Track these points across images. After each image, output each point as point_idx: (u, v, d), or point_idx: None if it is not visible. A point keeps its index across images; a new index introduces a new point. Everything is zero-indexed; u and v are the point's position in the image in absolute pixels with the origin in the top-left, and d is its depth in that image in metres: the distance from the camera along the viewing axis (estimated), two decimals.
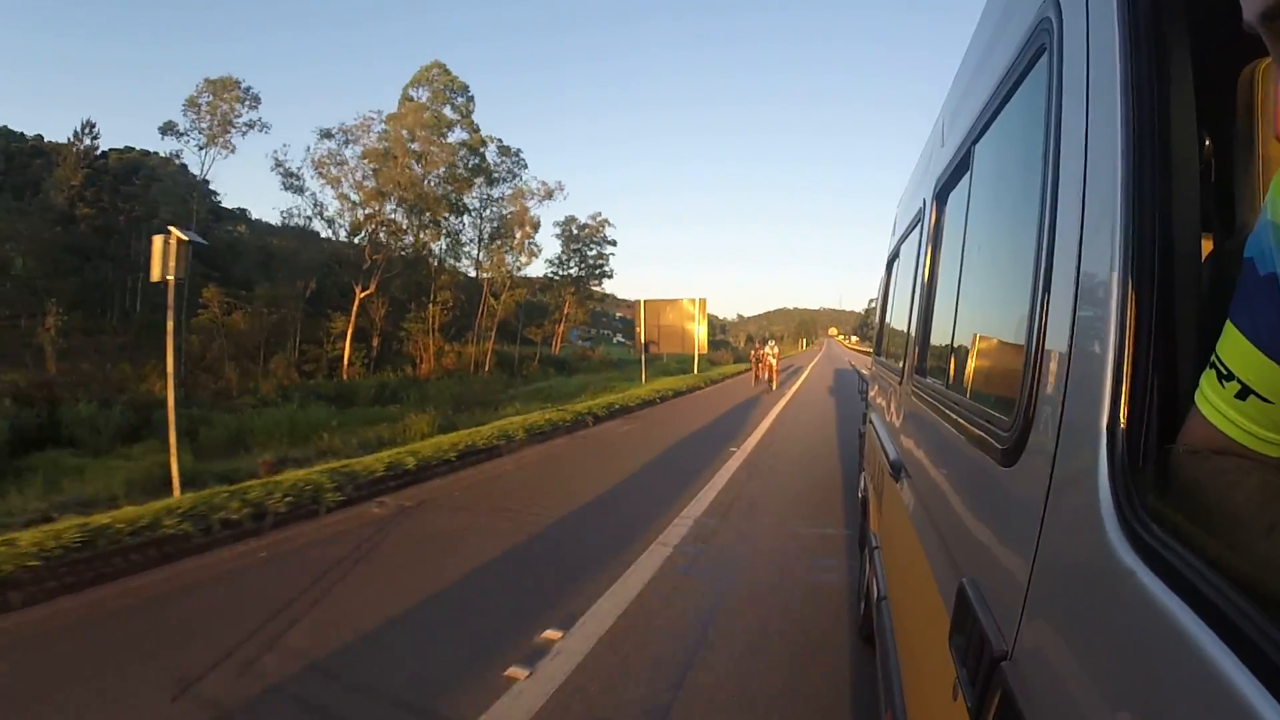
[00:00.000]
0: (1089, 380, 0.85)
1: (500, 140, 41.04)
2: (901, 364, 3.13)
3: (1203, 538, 0.64)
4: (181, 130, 34.11)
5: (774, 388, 23.63)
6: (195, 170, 37.73)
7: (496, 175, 40.25)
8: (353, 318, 34.74)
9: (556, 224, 44.00)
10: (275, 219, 38.12)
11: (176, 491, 6.98)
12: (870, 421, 4.90)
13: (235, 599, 4.69)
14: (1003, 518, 1.14)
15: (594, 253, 45.96)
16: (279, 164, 34.70)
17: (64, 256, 36.10)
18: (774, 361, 24.70)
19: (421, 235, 37.46)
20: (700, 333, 26.24)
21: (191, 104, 33.80)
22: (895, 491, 2.64)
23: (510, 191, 40.82)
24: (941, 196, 2.46)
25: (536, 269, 41.85)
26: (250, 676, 3.59)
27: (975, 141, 1.83)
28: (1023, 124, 1.36)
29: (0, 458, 13.94)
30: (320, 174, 35.03)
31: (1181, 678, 0.56)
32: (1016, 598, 0.96)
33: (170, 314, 7.44)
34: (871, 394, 5.59)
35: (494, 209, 40.97)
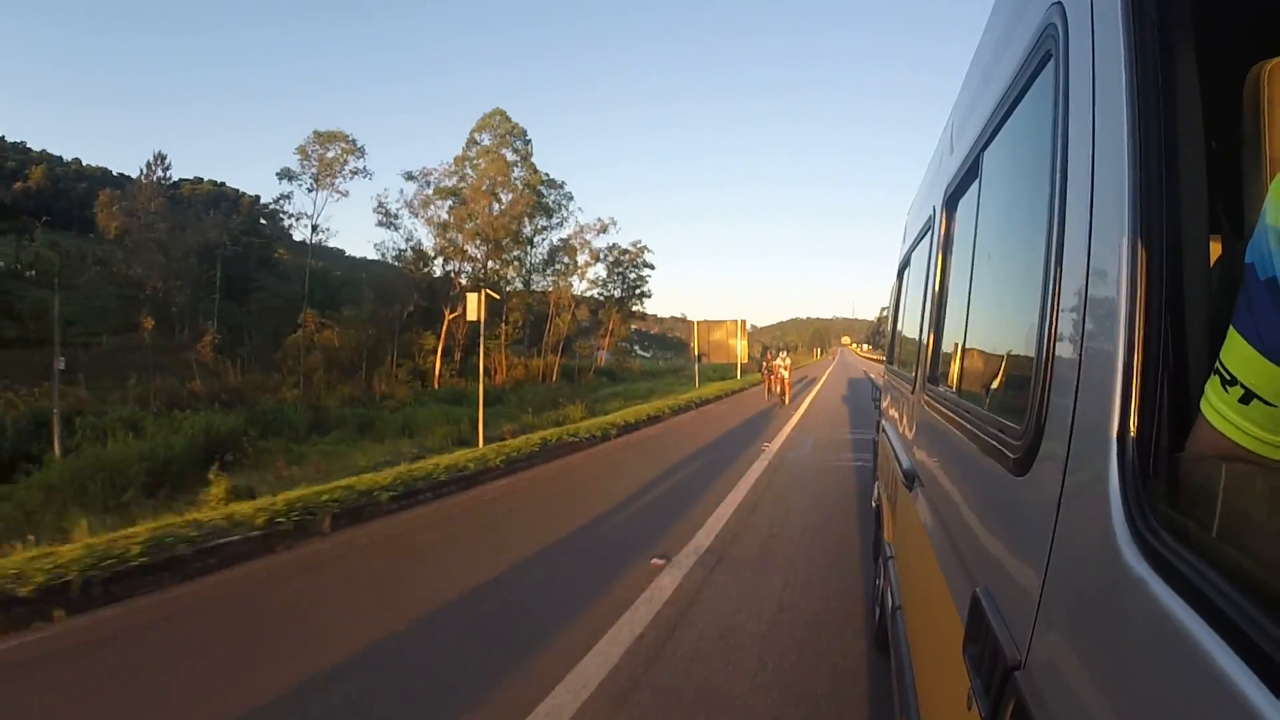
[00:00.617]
0: (1099, 388, 0.84)
1: (548, 175, 45.56)
2: (914, 373, 3.12)
3: (1213, 545, 0.64)
4: (294, 174, 38.67)
5: (786, 402, 22.64)
6: (307, 209, 43.58)
7: (552, 210, 45.23)
8: (442, 336, 39.70)
9: (602, 250, 48.90)
10: (357, 250, 43.65)
11: (480, 443, 12.21)
12: (884, 430, 4.88)
13: (575, 478, 10.34)
14: (1015, 527, 1.14)
15: (634, 275, 50.67)
16: (380, 205, 39.87)
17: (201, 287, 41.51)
18: (786, 374, 23.40)
19: (491, 264, 42.35)
20: (741, 346, 29.99)
21: (302, 152, 38.13)
22: (909, 501, 2.63)
23: (565, 222, 46.24)
24: (951, 204, 2.46)
25: (580, 289, 49.11)
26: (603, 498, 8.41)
27: (984, 148, 1.83)
28: (1030, 130, 1.36)
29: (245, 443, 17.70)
30: (414, 213, 40.55)
31: (1193, 688, 0.56)
32: (1029, 607, 0.95)
33: (481, 342, 13.79)
34: (884, 404, 5.57)
35: (551, 237, 46.37)
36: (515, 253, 44.02)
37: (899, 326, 4.82)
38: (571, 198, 46.03)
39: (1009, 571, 1.12)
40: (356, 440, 17.42)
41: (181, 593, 5.15)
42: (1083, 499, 0.85)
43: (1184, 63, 0.85)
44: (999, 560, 1.19)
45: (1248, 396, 0.70)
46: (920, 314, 3.04)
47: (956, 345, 2.11)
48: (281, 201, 41.38)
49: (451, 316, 38.81)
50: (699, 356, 34.60)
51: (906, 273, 4.40)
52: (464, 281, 40.27)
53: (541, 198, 44.04)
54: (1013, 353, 1.45)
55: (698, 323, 35.61)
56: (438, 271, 42.08)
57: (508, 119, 42.66)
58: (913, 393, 3.10)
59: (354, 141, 38.40)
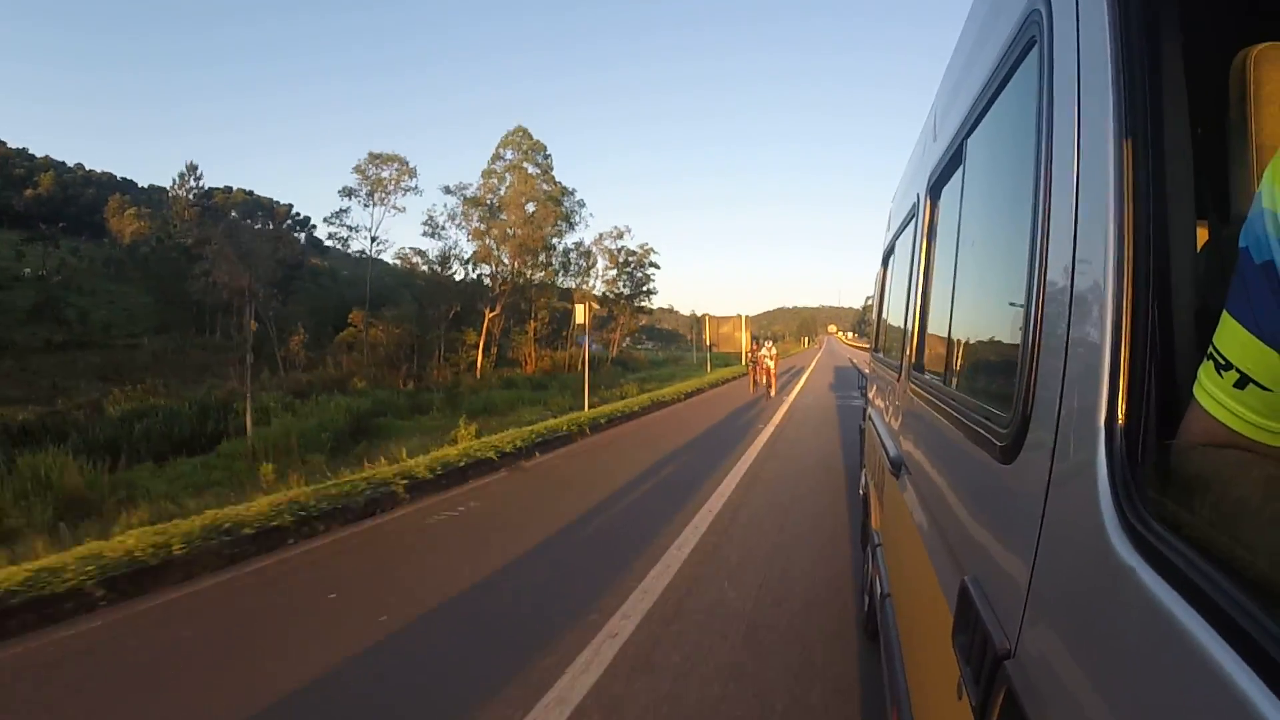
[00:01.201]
0: (1086, 375, 0.84)
1: (570, 189, 50.14)
2: (899, 361, 3.13)
3: (1204, 533, 0.64)
4: (353, 189, 43.97)
5: (773, 394, 21.39)
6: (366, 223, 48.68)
7: (570, 218, 49.46)
8: (483, 332, 44.20)
9: (614, 251, 54.10)
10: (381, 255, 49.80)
11: (586, 407, 16.25)
12: (870, 418, 4.89)
13: (657, 428, 14.53)
14: (1003, 515, 1.14)
15: (640, 275, 55.69)
16: (430, 219, 44.84)
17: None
18: (771, 364, 22.22)
19: (519, 268, 46.91)
20: (744, 338, 33.60)
21: (359, 171, 43.46)
22: (896, 489, 2.64)
23: (575, 227, 50.39)
24: (935, 191, 2.46)
25: (593, 288, 54.04)
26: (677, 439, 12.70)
27: (968, 135, 1.82)
28: (1015, 117, 1.35)
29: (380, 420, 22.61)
30: (459, 226, 45.34)
31: (1183, 676, 0.55)
32: (1018, 596, 0.95)
33: (585, 347, 20.67)
34: (870, 392, 5.58)
35: (567, 240, 51.08)
36: (542, 257, 48.13)
37: (884, 315, 4.82)
38: (583, 204, 50.52)
39: (997, 560, 1.11)
40: (453, 417, 18.86)
41: (497, 476, 9.19)
42: (1071, 487, 0.85)
43: (1169, 48, 0.85)
44: (987, 549, 1.19)
45: (1243, 381, 0.69)
46: (905, 302, 3.04)
47: (942, 333, 2.11)
48: (340, 215, 45.76)
49: (491, 315, 43.99)
50: (710, 346, 38.88)
51: (891, 261, 4.40)
52: (488, 283, 45.79)
53: (560, 206, 48.01)
54: (999, 340, 1.45)
55: (708, 317, 43.94)
56: (460, 275, 46.49)
57: (529, 135, 46.67)
58: (899, 381, 3.10)
59: (407, 162, 43.63)
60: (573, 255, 51.66)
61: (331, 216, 45.64)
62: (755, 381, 23.69)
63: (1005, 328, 1.36)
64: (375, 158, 42.78)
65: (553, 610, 4.59)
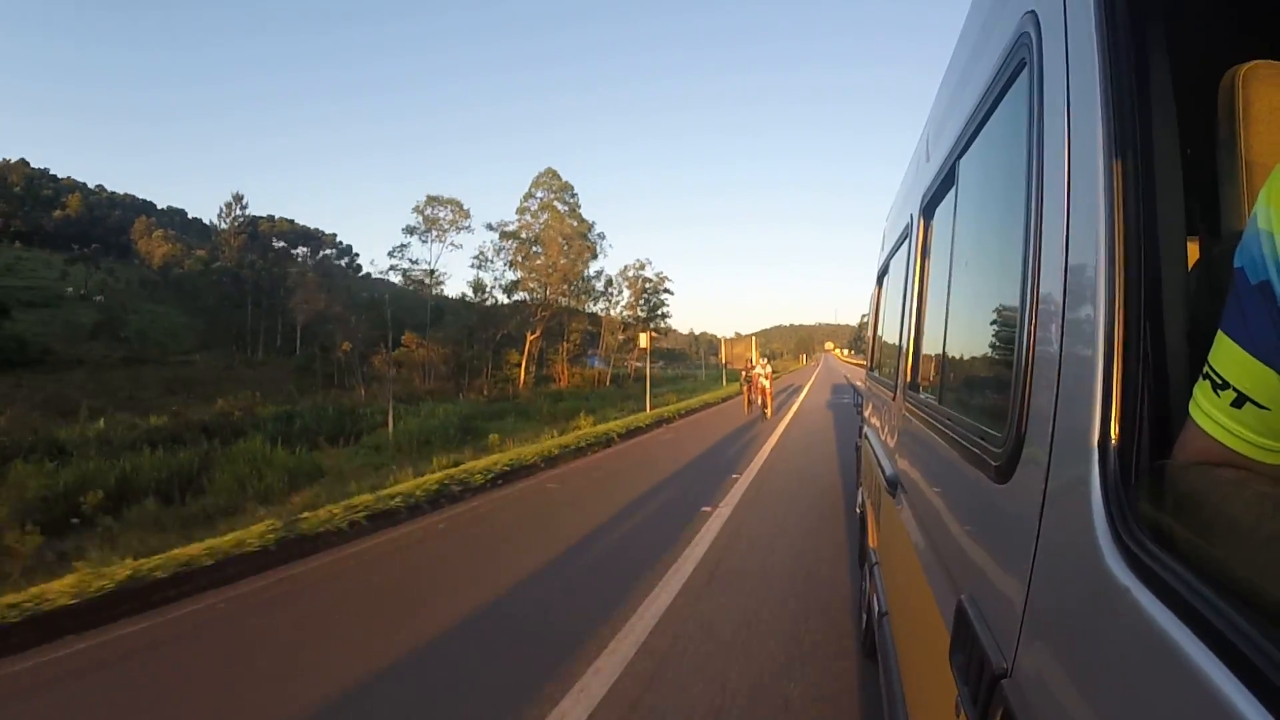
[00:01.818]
0: (1080, 394, 0.84)
1: (591, 223, 56.09)
2: (895, 380, 3.13)
3: (1199, 552, 0.63)
4: (414, 227, 49.81)
5: (769, 415, 20.11)
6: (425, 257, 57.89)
7: (595, 250, 55.61)
8: (525, 352, 50.61)
9: (634, 278, 60.65)
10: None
11: (648, 408, 22.71)
12: (866, 437, 4.89)
13: (708, 422, 19.92)
14: (998, 535, 1.14)
15: (656, 300, 62.41)
16: (480, 254, 51.72)
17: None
18: (767, 383, 20.81)
19: (555, 296, 52.30)
20: (753, 356, 35.44)
21: (419, 211, 49.58)
22: (893, 507, 2.63)
23: (603, 259, 58.10)
24: (928, 211, 2.47)
25: (615, 312, 61.56)
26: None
27: (960, 156, 1.84)
28: (1006, 138, 1.36)
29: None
30: (507, 262, 51.42)
31: (1179, 696, 0.55)
32: (1014, 615, 0.95)
33: (648, 364, 29.74)
34: (866, 410, 5.59)
35: (591, 268, 56.77)
36: (575, 285, 54.19)
37: (879, 334, 4.83)
38: (604, 236, 56.57)
39: (993, 579, 1.11)
40: (528, 420, 24.47)
41: (612, 450, 13.70)
42: (1065, 506, 0.85)
43: (1158, 68, 0.86)
44: (983, 568, 1.19)
45: (1240, 400, 0.70)
46: (900, 321, 3.05)
47: (937, 352, 2.12)
48: (401, 249, 51.85)
49: (532, 338, 50.62)
50: (725, 364, 44.39)
51: (886, 280, 4.42)
52: (528, 309, 52.37)
53: (588, 240, 54.30)
54: (993, 360, 1.45)
55: (724, 339, 57.08)
56: (492, 302, 53.66)
57: (558, 177, 52.79)
58: (894, 400, 3.11)
59: (461, 205, 50.14)
60: (599, 284, 58.21)
61: (395, 250, 51.47)
62: (750, 401, 22.12)
63: (999, 347, 1.37)
64: (433, 200, 49.12)
65: (707, 482, 9.80)
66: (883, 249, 4.72)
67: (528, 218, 51.68)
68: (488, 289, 52.23)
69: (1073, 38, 0.98)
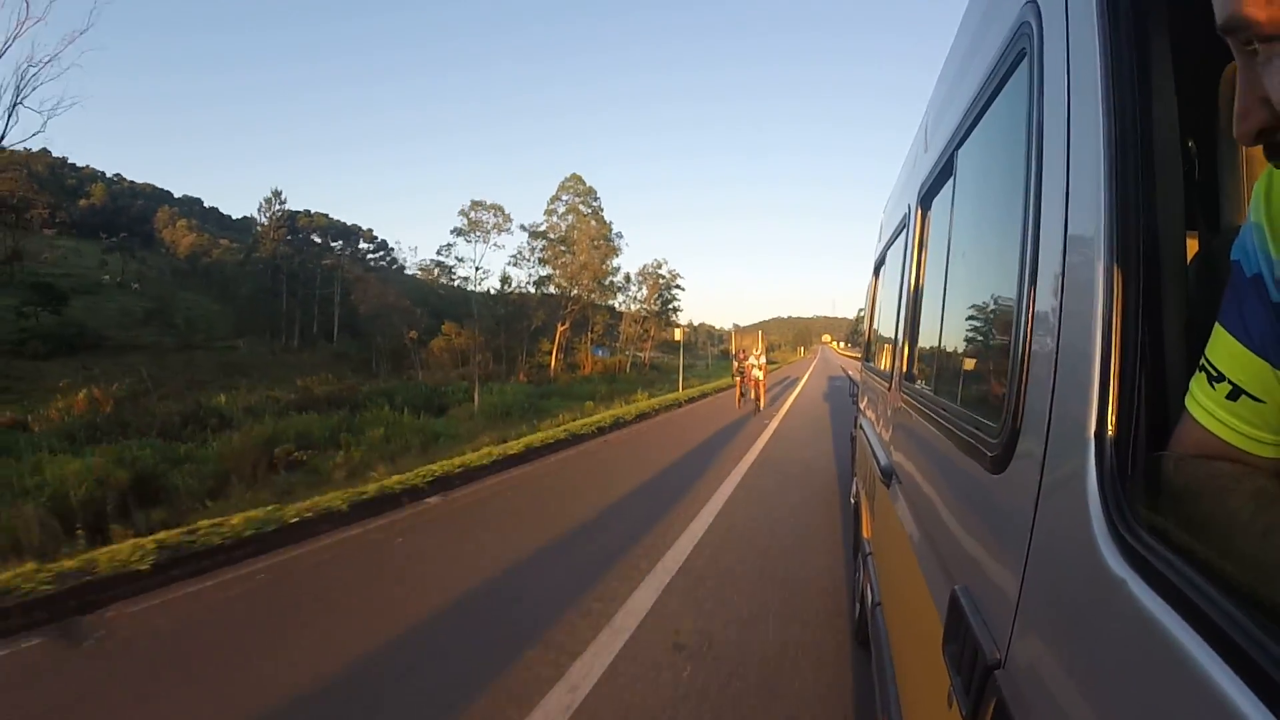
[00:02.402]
0: (1076, 386, 0.84)
1: (609, 222, 60.24)
2: (890, 370, 3.13)
3: (1194, 544, 0.63)
4: (461, 230, 53.51)
5: (761, 407, 19.03)
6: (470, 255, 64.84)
7: (616, 249, 59.72)
8: (557, 340, 54.91)
9: (642, 275, 65.86)
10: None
11: (680, 388, 26.06)
12: (861, 427, 4.90)
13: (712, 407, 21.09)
14: (993, 525, 1.14)
15: (668, 296, 67.84)
16: (518, 253, 56.19)
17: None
18: (760, 375, 19.31)
19: (584, 292, 56.97)
20: (760, 347, 36.42)
21: (463, 214, 53.21)
22: (887, 498, 2.64)
23: (621, 257, 62.15)
24: (926, 202, 2.46)
25: (631, 307, 66.86)
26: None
27: (958, 146, 1.83)
28: (1005, 128, 1.36)
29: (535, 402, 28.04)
30: (542, 261, 55.63)
31: (1173, 688, 0.55)
32: (1008, 606, 0.95)
33: (681, 353, 34.34)
34: (861, 401, 5.59)
35: (611, 263, 60.79)
36: (602, 282, 59.12)
37: (875, 325, 4.83)
38: (621, 235, 60.63)
39: (987, 570, 1.11)
40: (576, 400, 25.24)
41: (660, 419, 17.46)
42: (1060, 497, 0.85)
43: (1159, 60, 0.85)
44: (977, 559, 1.19)
45: (1235, 393, 0.70)
46: (896, 312, 3.05)
47: (933, 343, 2.12)
48: (448, 248, 55.91)
49: (562, 329, 55.22)
50: (735, 353, 46.67)
51: (882, 271, 4.41)
52: (553, 299, 57.08)
53: (610, 242, 58.70)
54: (989, 350, 1.45)
55: (734, 331, 64.54)
56: (518, 290, 57.55)
57: (582, 182, 57.13)
58: (889, 390, 3.11)
59: (504, 209, 53.78)
60: (619, 281, 63.00)
61: (442, 248, 56.47)
62: (741, 395, 20.71)
63: (996, 338, 1.37)
64: (477, 204, 53.37)
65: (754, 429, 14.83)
66: (880, 240, 4.72)
67: (555, 219, 56.75)
68: (518, 284, 56.43)
69: (1074, 28, 0.97)
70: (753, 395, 19.48)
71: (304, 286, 59.72)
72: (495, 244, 55.82)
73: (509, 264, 56.60)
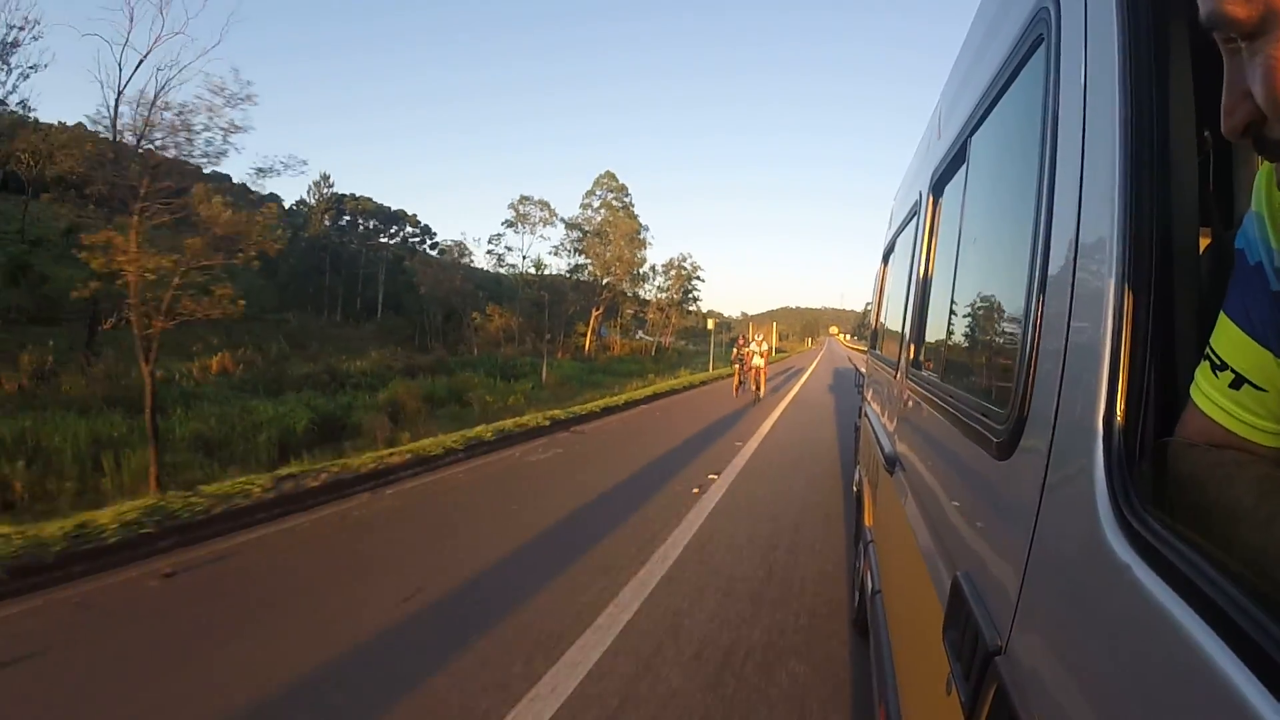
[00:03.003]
0: (1085, 373, 0.84)
1: (642, 218, 64.64)
2: (898, 357, 3.12)
3: (1199, 531, 0.63)
4: (510, 222, 57.12)
5: (761, 397, 18.53)
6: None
7: (644, 242, 64.44)
8: (592, 323, 59.63)
9: (668, 266, 70.98)
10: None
11: (711, 368, 31.73)
12: (866, 415, 4.90)
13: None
14: (997, 511, 1.14)
15: (689, 286, 73.28)
16: (559, 245, 60.32)
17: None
18: (761, 362, 18.73)
19: (616, 281, 61.71)
20: (773, 335, 41.52)
21: (513, 207, 56.93)
22: (890, 485, 2.64)
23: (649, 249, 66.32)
24: (938, 189, 2.45)
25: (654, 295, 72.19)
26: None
27: (972, 133, 1.82)
28: (1020, 115, 1.35)
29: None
30: (580, 252, 60.02)
31: (1176, 673, 0.56)
32: (1011, 592, 0.95)
33: (711, 338, 37.92)
34: (867, 389, 5.59)
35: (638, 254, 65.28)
36: (634, 271, 64.40)
37: (884, 312, 4.82)
38: (647, 228, 65.30)
39: (990, 556, 1.12)
40: (618, 377, 29.82)
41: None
42: (1066, 483, 0.85)
43: (1177, 49, 0.84)
44: (980, 545, 1.19)
45: (1238, 381, 0.70)
46: (905, 299, 3.04)
47: (941, 330, 2.11)
48: (498, 238, 60.53)
49: (597, 313, 60.36)
50: (749, 340, 51.20)
51: (892, 258, 4.40)
52: (587, 285, 61.83)
53: (640, 237, 63.46)
54: (998, 337, 1.45)
55: (745, 319, 74.15)
56: (549, 272, 62.11)
57: (615, 178, 61.63)
58: (896, 377, 3.10)
59: (549, 204, 57.79)
60: (646, 271, 68.30)
61: (493, 237, 61.42)
62: (740, 383, 20.03)
63: (1005, 325, 1.36)
64: (525, 199, 57.70)
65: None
66: (890, 227, 4.70)
67: (590, 213, 61.84)
68: (554, 270, 60.39)
69: (1092, 16, 0.96)
70: (752, 385, 18.89)
71: (347, 265, 64.07)
72: (541, 235, 60.10)
73: (550, 253, 62.96)
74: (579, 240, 60.07)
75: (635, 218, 63.14)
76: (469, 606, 4.36)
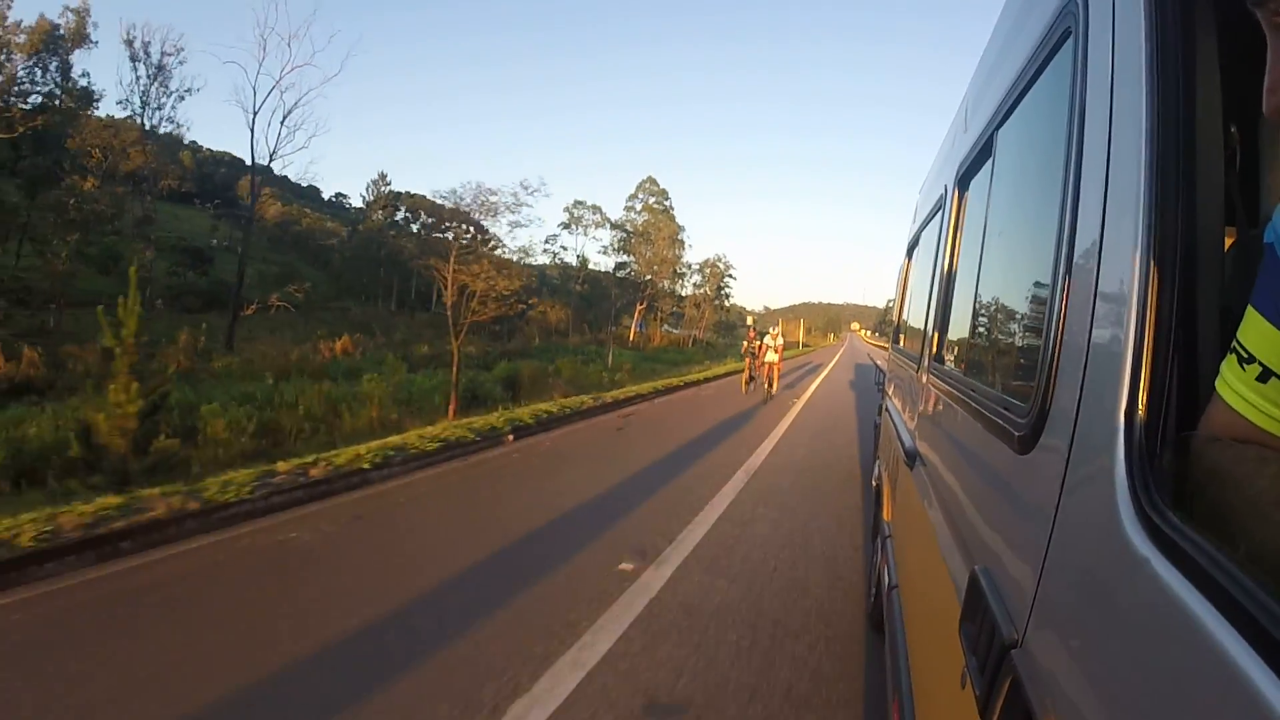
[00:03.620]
0: (1107, 368, 0.84)
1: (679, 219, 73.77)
2: (920, 352, 3.11)
3: (1221, 526, 0.63)
4: (567, 224, 64.92)
5: (773, 393, 17.15)
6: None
7: (683, 243, 72.74)
8: (636, 315, 66.07)
9: (703, 265, 79.41)
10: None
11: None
12: (886, 410, 4.88)
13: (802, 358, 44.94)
14: (1017, 505, 1.14)
15: (721, 283, 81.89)
16: (606, 245, 67.60)
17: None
18: (776, 357, 17.06)
19: (656, 278, 68.50)
20: (800, 330, 52.17)
21: (567, 210, 64.93)
22: (909, 479, 2.63)
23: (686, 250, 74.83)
24: (963, 183, 2.44)
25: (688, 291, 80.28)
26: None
27: (998, 127, 1.81)
28: (1046, 110, 1.34)
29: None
30: (629, 252, 66.79)
31: (1194, 669, 0.56)
32: (1029, 586, 0.95)
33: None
34: (888, 384, 5.56)
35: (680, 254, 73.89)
36: (675, 270, 72.38)
37: (907, 306, 4.79)
38: (684, 229, 73.75)
39: (1009, 550, 1.12)
40: (660, 365, 34.04)
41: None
42: (1087, 477, 0.85)
43: (1205, 44, 0.84)
44: (999, 539, 1.20)
45: (1266, 374, 0.69)
46: (929, 293, 3.03)
47: (965, 324, 2.10)
48: (554, 239, 66.38)
49: (640, 308, 66.81)
50: (760, 334, 57.65)
51: (916, 252, 4.38)
52: (630, 282, 68.45)
53: (680, 240, 71.64)
54: (1021, 331, 1.45)
55: (772, 313, 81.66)
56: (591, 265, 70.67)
57: (656, 183, 69.47)
58: (918, 371, 3.09)
59: (601, 209, 65.90)
60: (684, 270, 76.14)
61: (549, 238, 66.63)
62: (750, 378, 18.58)
63: (1028, 319, 1.36)
64: (579, 203, 65.71)
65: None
66: (914, 221, 4.67)
67: (633, 215, 69.09)
68: (597, 266, 68.23)
69: (1120, 10, 0.96)
70: (765, 382, 17.30)
71: (400, 258, 67.62)
72: (593, 237, 65.99)
73: (600, 252, 68.22)
74: (623, 240, 65.97)
75: (674, 220, 69.67)
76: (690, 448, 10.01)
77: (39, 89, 33.51)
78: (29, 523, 4.54)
